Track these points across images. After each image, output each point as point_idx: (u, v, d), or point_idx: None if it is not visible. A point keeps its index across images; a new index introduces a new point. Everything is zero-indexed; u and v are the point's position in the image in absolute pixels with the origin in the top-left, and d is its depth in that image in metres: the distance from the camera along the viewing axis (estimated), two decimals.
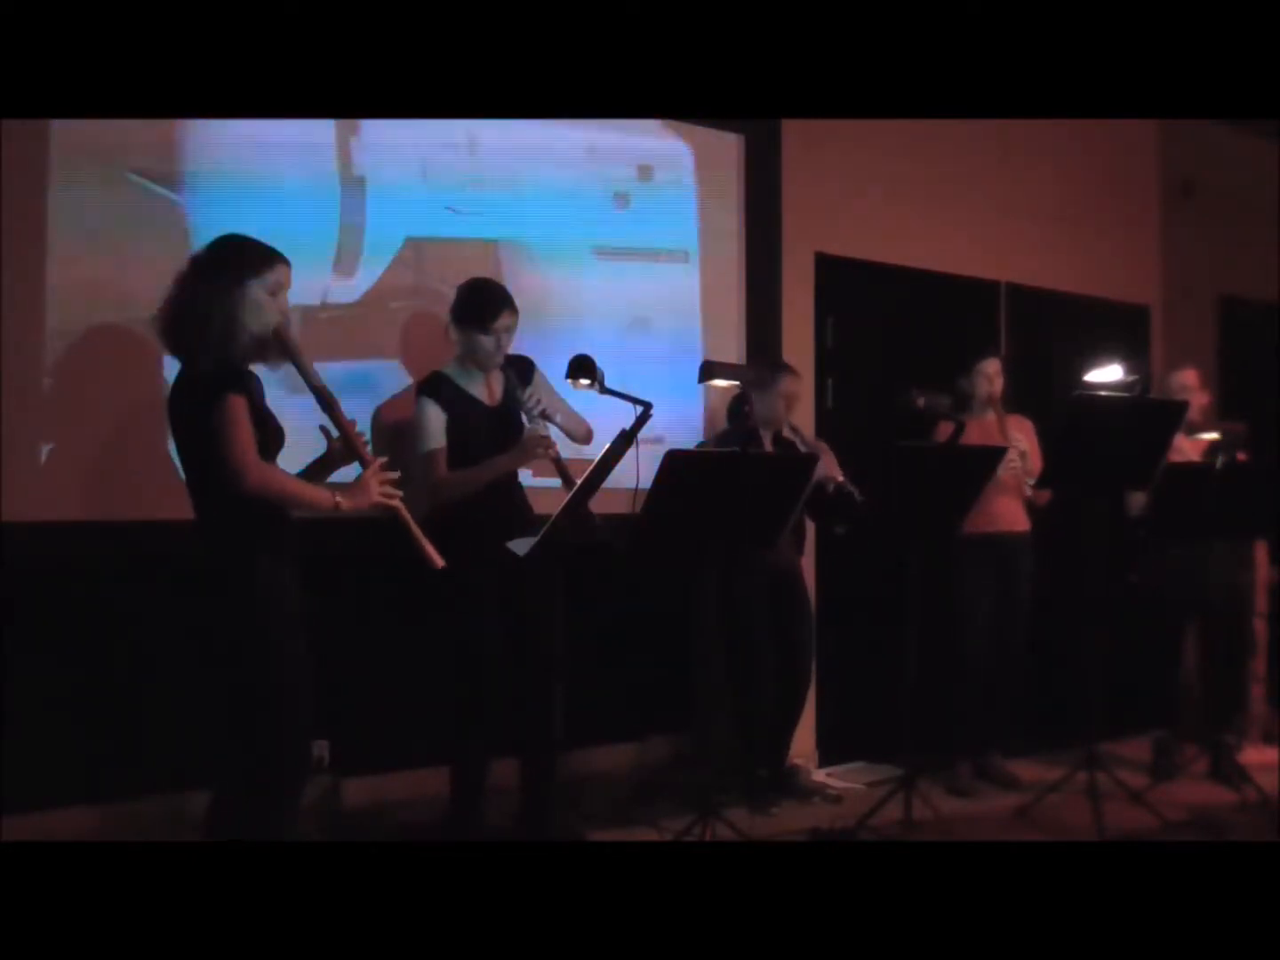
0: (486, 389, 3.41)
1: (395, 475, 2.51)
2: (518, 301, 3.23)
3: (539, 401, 3.33)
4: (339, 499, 2.45)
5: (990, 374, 4.28)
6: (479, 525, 3.22)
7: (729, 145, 4.49)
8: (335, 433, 2.57)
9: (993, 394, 4.25)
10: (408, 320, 3.54)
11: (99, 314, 3.31)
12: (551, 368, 3.23)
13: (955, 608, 4.22)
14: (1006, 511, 4.20)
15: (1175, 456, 4.24)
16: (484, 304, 3.30)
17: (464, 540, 3.09)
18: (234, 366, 2.38)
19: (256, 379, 2.45)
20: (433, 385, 3.35)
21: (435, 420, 3.30)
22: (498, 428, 3.37)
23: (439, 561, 2.55)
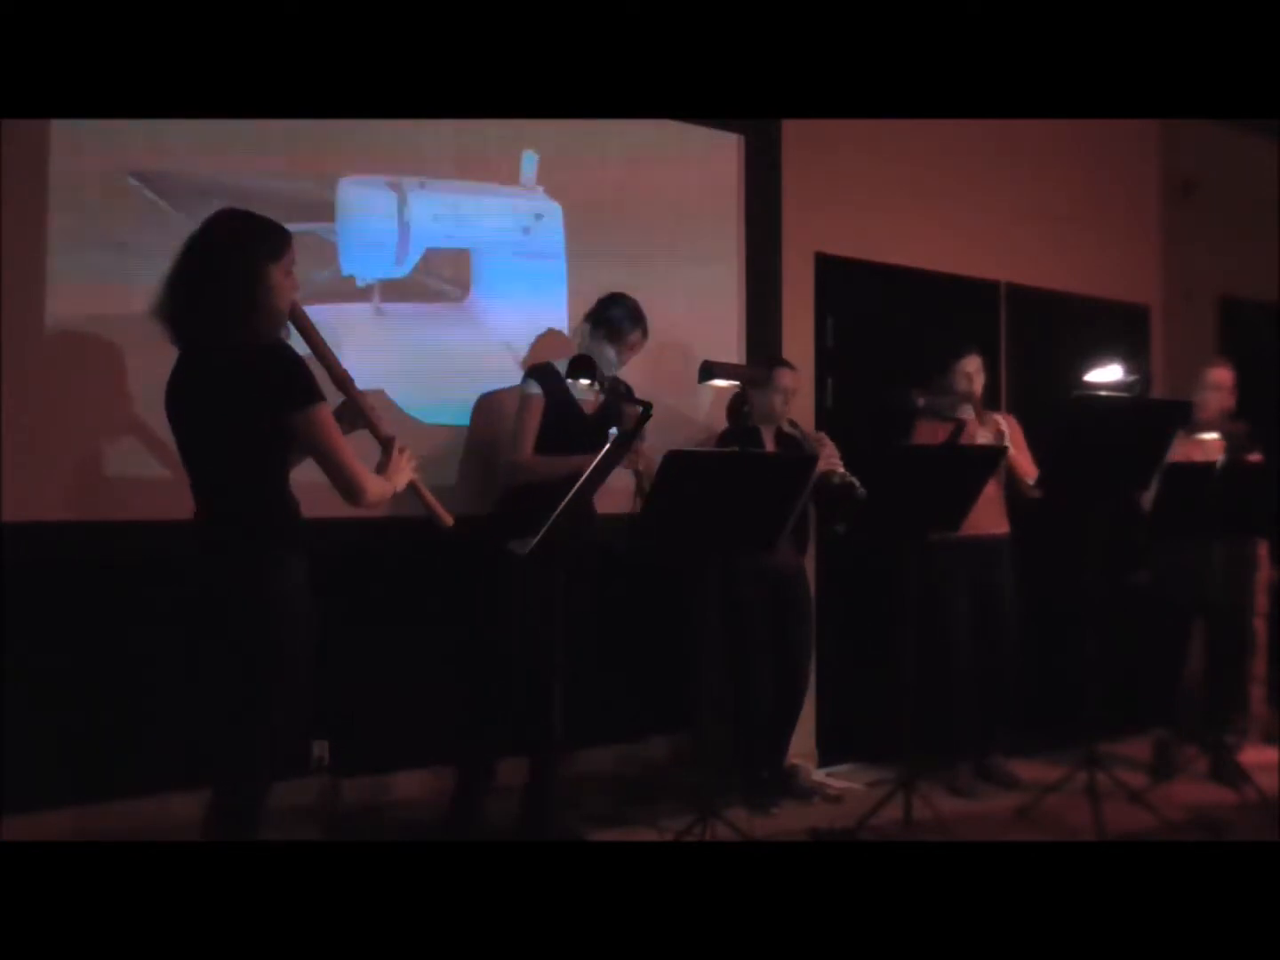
0: (590, 394, 3.47)
1: (409, 450, 2.55)
2: (485, 279, 3.73)
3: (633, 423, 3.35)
4: (394, 484, 2.47)
5: (970, 372, 4.25)
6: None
7: (729, 145, 4.50)
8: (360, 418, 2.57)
9: (972, 392, 4.23)
10: (535, 341, 3.92)
11: (99, 314, 3.31)
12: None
13: (938, 611, 4.21)
14: (985, 515, 4.16)
15: (1199, 455, 4.24)
16: (623, 318, 3.46)
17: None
18: (308, 369, 2.29)
19: None
20: (542, 372, 3.46)
21: (534, 403, 3.42)
22: (589, 433, 3.40)
23: (449, 519, 2.59)
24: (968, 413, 4.21)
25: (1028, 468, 4.15)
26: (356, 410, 2.54)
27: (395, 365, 3.40)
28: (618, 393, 3.43)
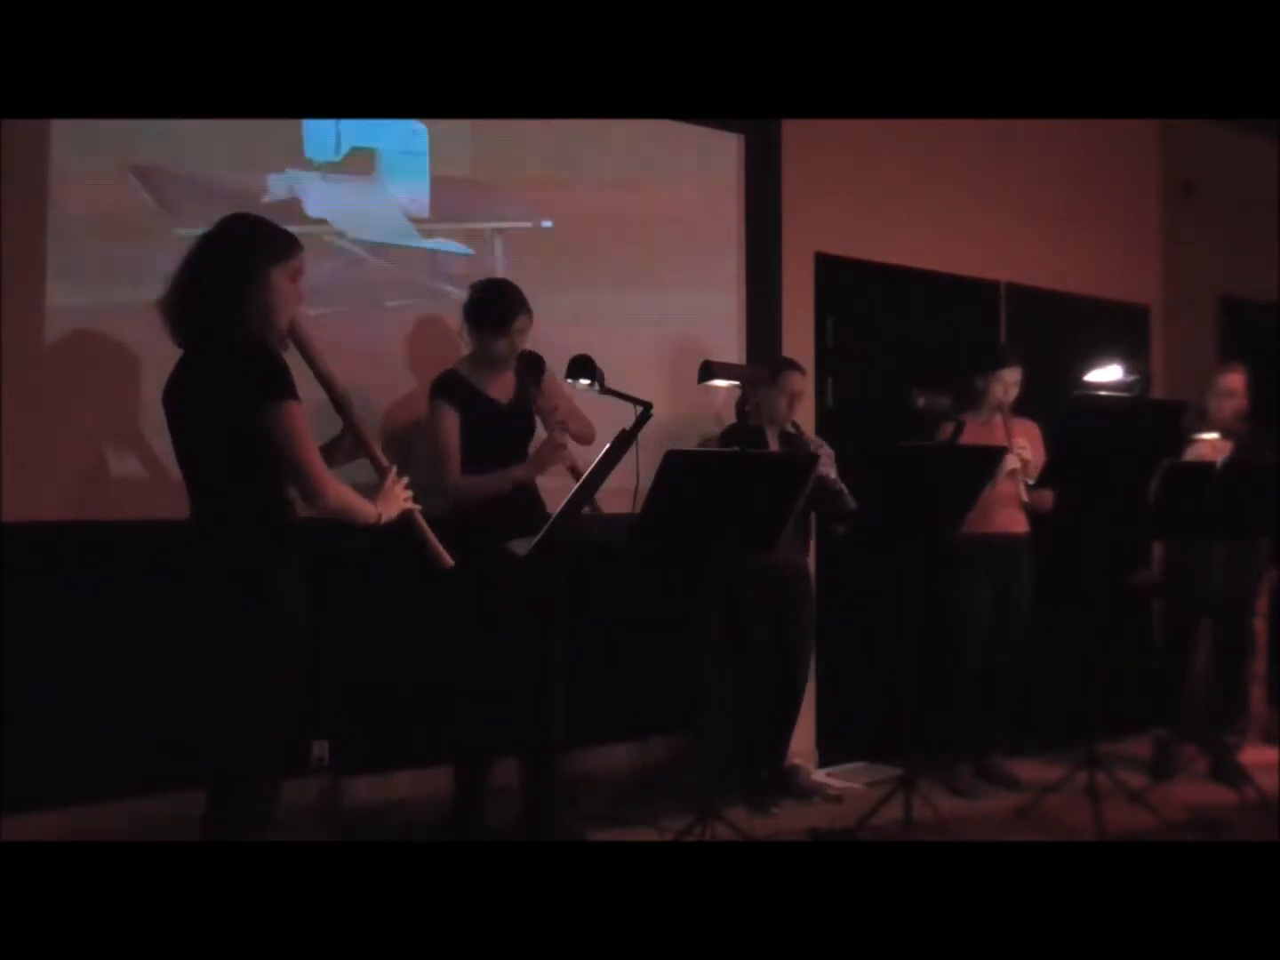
0: (499, 387, 3.42)
1: (406, 480, 2.51)
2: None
3: (556, 408, 3.35)
4: (380, 511, 2.43)
5: (1009, 382, 4.27)
6: (494, 525, 3.22)
7: (729, 145, 4.50)
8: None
9: (1005, 401, 4.25)
10: (414, 323, 3.83)
11: (100, 314, 3.31)
12: None
13: (952, 609, 4.22)
14: (1004, 514, 4.19)
15: (1214, 457, 4.23)
16: (501, 306, 3.33)
17: (479, 539, 3.11)
18: (285, 367, 2.27)
19: None
20: (446, 385, 3.35)
21: (449, 421, 3.31)
22: (511, 426, 3.38)
23: (449, 561, 2.56)
24: (994, 419, 4.23)
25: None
26: (355, 436, 2.52)
27: None
28: (525, 379, 3.38)
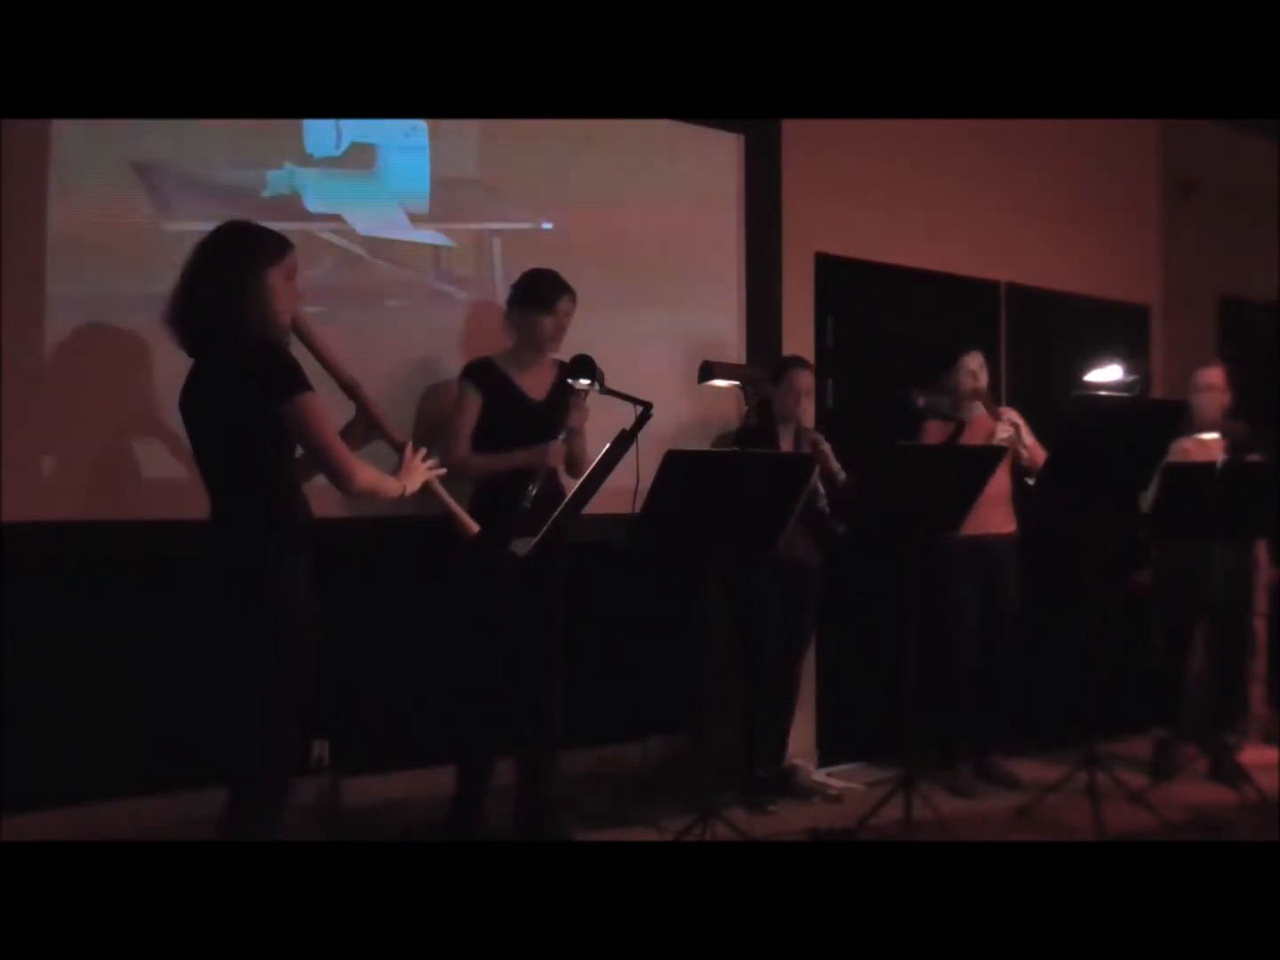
0: (535, 381, 3.43)
1: (424, 451, 2.58)
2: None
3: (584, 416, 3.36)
4: (406, 485, 2.50)
5: (973, 369, 4.25)
6: (493, 526, 3.22)
7: (729, 145, 4.50)
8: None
9: (977, 388, 4.23)
10: (469, 312, 3.90)
11: (99, 313, 3.31)
12: None
13: (944, 610, 4.22)
14: (992, 515, 4.16)
15: (1200, 456, 4.23)
16: (548, 287, 3.42)
17: (480, 540, 3.11)
18: (296, 362, 2.33)
19: None
20: (477, 369, 3.41)
21: (469, 404, 3.37)
22: (536, 422, 3.37)
23: (474, 527, 2.62)
24: (978, 410, 4.22)
25: (1039, 455, 4.10)
26: (368, 418, 2.58)
27: None
28: (565, 384, 3.37)
